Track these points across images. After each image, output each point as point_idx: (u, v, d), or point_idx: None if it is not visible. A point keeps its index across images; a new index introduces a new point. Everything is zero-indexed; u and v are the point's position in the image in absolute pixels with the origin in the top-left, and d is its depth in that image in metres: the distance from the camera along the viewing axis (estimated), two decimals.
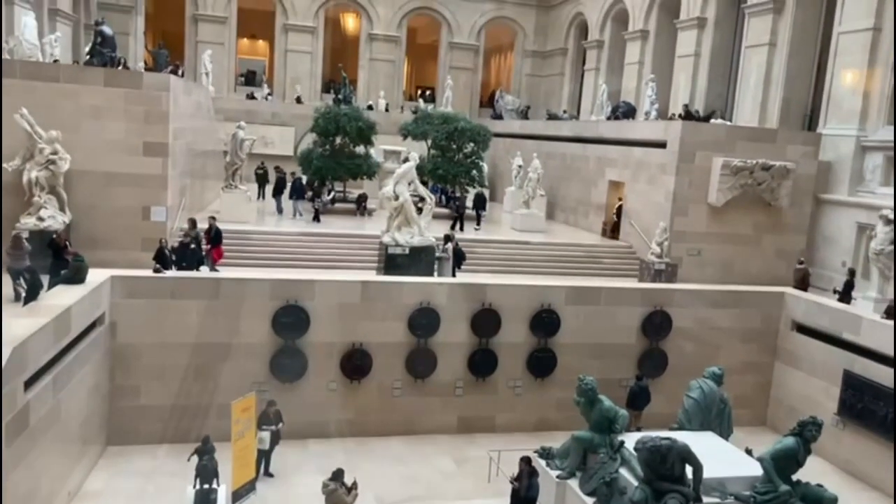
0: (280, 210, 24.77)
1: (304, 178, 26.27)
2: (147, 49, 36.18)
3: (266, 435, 12.09)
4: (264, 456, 12.18)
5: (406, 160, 18.76)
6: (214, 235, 17.37)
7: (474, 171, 27.64)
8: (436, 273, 17.33)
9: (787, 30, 24.40)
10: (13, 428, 9.01)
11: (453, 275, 17.50)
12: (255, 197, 27.51)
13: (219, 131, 29.18)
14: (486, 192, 33.02)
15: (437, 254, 17.57)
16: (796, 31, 24.27)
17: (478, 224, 24.98)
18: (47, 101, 17.39)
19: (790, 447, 10.05)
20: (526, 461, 10.73)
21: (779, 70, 24.59)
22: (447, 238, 18.16)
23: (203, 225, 18.08)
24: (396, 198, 17.21)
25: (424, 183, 25.73)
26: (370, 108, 36.29)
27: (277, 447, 12.47)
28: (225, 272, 14.78)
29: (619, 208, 24.44)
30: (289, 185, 25.17)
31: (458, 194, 26.64)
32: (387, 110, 37.88)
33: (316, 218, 23.78)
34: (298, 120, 34.89)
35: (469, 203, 26.32)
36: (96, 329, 12.11)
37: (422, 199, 18.49)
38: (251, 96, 36.91)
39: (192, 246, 15.69)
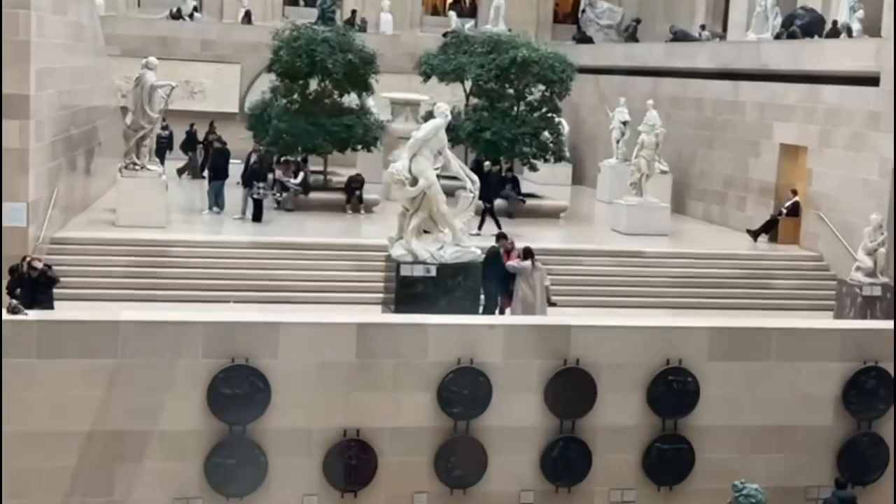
0: (218, 205, 25.01)
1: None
2: None
3: None
4: None
5: (429, 116, 18.85)
6: None
7: (546, 134, 27.62)
8: (516, 307, 17.55)
9: None
10: None
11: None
12: (182, 175, 27.92)
13: (113, 74, 29.56)
14: (568, 167, 33.06)
15: (521, 284, 17.81)
16: None
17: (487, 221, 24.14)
18: None
19: None
20: None
21: None
22: (527, 253, 18.29)
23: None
24: (415, 181, 17.29)
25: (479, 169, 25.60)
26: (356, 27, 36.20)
27: None
28: (128, 312, 14.95)
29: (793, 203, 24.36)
30: (233, 162, 25.59)
31: (486, 169, 25.88)
32: (389, 31, 38.11)
33: (256, 216, 24.18)
34: (246, 52, 35.22)
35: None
36: None
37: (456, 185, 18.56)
38: (176, 14, 37.46)
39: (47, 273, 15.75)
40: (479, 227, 22.84)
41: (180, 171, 30.34)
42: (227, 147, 26.94)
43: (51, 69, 20.50)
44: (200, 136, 31.46)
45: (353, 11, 38.20)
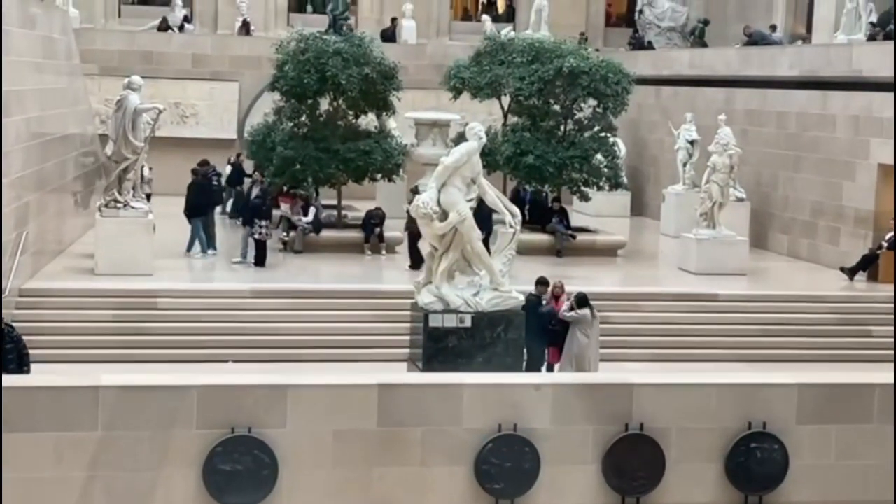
0: (211, 245, 25.11)
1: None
2: None
3: None
4: None
5: (461, 139, 18.87)
6: None
7: (599, 156, 27.62)
8: (568, 363, 17.53)
9: None
10: None
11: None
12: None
13: (90, 96, 29.82)
14: (626, 196, 33.01)
15: (580, 335, 17.81)
16: None
17: None
18: None
19: None
20: None
21: None
22: (580, 299, 18.29)
23: None
24: (445, 215, 17.31)
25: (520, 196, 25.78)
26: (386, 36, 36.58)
27: None
28: (110, 375, 14.99)
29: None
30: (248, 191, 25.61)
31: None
32: (412, 40, 38.30)
33: (259, 259, 24.24)
34: (245, 68, 35.55)
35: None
36: None
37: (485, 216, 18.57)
38: (163, 26, 37.76)
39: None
40: None
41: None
42: (210, 177, 26.94)
43: (17, 92, 20.68)
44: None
45: (394, 19, 38.57)
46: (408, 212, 24.21)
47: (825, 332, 22.07)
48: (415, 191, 25.14)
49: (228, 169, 31.18)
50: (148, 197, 29.70)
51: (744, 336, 21.71)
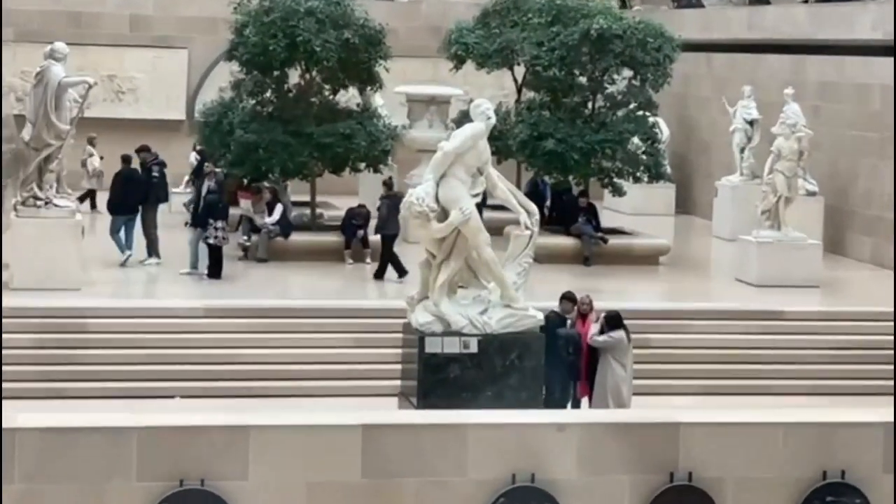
0: (122, 250, 24.97)
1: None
2: None
3: None
4: None
5: (465, 119, 18.84)
6: None
7: (636, 140, 27.67)
8: (602, 398, 17.62)
9: None
10: None
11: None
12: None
13: (4, 68, 29.82)
14: (669, 189, 33.07)
15: (615, 364, 17.86)
16: None
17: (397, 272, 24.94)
18: None
19: None
20: None
21: None
22: (612, 320, 18.32)
23: None
24: (444, 214, 17.35)
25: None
26: None
27: None
28: (29, 415, 15.03)
29: None
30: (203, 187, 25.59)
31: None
32: None
33: (214, 269, 24.24)
34: (196, 32, 35.59)
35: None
36: None
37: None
38: None
39: None
40: None
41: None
42: (150, 167, 26.81)
43: None
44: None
45: None
46: (379, 209, 24.27)
47: None
48: (387, 184, 25.22)
49: (193, 158, 31.17)
50: (93, 194, 30.06)
51: (817, 363, 21.75)
